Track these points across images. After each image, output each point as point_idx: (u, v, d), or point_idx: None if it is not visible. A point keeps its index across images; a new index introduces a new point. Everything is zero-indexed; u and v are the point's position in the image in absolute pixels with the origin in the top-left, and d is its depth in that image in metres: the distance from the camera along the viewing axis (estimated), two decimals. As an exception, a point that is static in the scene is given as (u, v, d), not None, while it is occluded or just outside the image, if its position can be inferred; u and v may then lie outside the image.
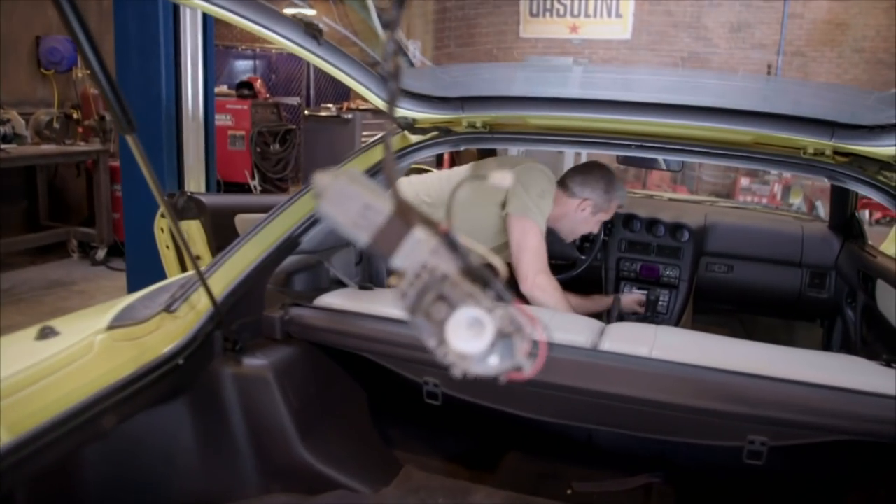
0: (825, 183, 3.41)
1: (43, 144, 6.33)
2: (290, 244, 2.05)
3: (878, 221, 9.68)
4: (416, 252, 1.08)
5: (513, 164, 2.70)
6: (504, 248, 2.68)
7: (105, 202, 6.35)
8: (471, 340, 1.09)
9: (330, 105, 9.36)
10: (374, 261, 2.48)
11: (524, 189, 2.59)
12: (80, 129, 6.76)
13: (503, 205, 2.64)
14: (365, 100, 7.79)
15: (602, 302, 2.96)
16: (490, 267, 1.12)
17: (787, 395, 1.69)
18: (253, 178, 8.06)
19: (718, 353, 1.82)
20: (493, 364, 1.13)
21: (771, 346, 1.91)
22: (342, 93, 10.58)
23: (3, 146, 5.88)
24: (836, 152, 2.16)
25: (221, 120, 7.85)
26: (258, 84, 8.89)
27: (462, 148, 2.54)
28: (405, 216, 1.09)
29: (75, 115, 6.88)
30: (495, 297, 1.11)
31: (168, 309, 1.75)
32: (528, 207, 2.58)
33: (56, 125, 6.58)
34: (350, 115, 8.61)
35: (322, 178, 1.07)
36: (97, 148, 6.44)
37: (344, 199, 1.07)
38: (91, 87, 6.99)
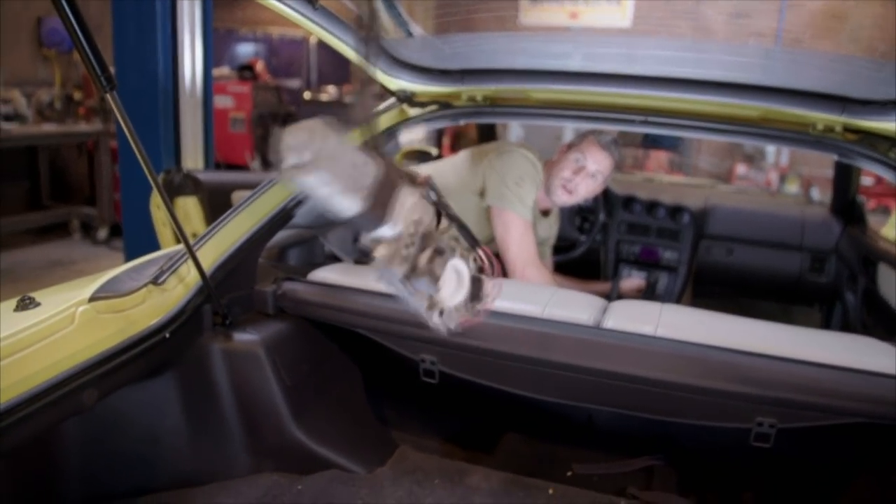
0: (823, 171, 3.39)
1: (44, 124, 6.29)
2: (283, 217, 2.00)
3: (870, 211, 9.56)
4: (406, 209, 0.99)
5: (494, 150, 2.59)
6: (491, 238, 2.60)
7: (106, 182, 6.32)
8: (454, 291, 1.06)
9: (330, 88, 9.29)
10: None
11: (500, 177, 2.45)
12: (82, 110, 6.72)
13: (482, 193, 2.52)
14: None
15: (599, 287, 2.89)
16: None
17: (799, 376, 1.64)
18: (253, 160, 8.01)
19: (726, 331, 1.76)
20: (462, 311, 1.10)
21: (781, 326, 1.85)
22: (343, 76, 10.50)
23: (5, 126, 5.84)
24: (847, 129, 2.10)
25: (222, 102, 7.79)
26: (259, 66, 8.82)
27: (462, 122, 2.48)
28: (395, 173, 1.00)
29: (76, 96, 6.84)
30: (470, 245, 1.11)
31: (155, 281, 1.70)
32: (505, 197, 2.44)
33: (57, 105, 6.56)
34: (350, 101, 8.51)
35: (299, 136, 0.92)
36: (98, 129, 6.40)
37: (334, 160, 0.92)
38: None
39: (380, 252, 0.98)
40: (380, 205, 0.97)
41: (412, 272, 1.01)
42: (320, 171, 0.91)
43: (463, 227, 1.09)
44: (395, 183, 0.99)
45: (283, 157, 0.90)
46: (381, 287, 1.95)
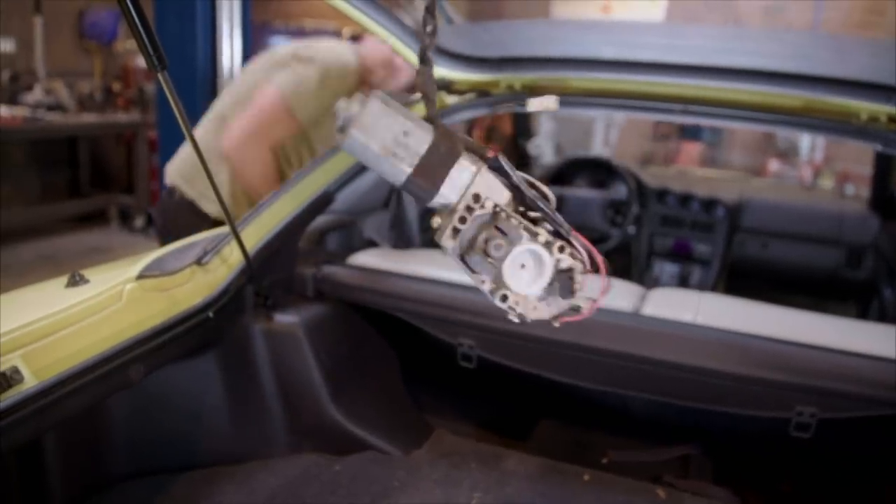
0: (858, 168, 3.36)
1: (84, 114, 6.42)
2: (324, 200, 2.02)
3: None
4: (465, 182, 0.99)
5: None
6: None
7: (143, 172, 6.44)
8: (529, 280, 1.00)
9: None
10: (408, 223, 2.44)
11: None
12: (121, 101, 6.85)
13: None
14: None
15: None
16: (541, 193, 1.02)
17: (840, 365, 1.62)
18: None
19: (767, 320, 1.75)
20: (551, 305, 1.04)
21: (822, 315, 1.83)
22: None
23: (48, 116, 5.97)
24: (892, 118, 2.07)
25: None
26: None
27: (500, 111, 2.48)
28: (449, 142, 0.99)
29: (116, 87, 6.97)
30: (551, 230, 1.02)
31: (199, 262, 1.72)
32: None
33: (97, 96, 6.70)
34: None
35: (348, 105, 0.97)
36: (136, 119, 6.51)
37: (378, 126, 0.96)
38: (131, 60, 7.10)
39: (435, 222, 1.00)
40: (430, 174, 0.98)
41: (468, 249, 1.00)
42: (365, 136, 0.95)
43: (548, 213, 1.01)
44: (453, 155, 0.98)
45: (337, 122, 0.95)
46: (419, 271, 1.99)
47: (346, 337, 2.03)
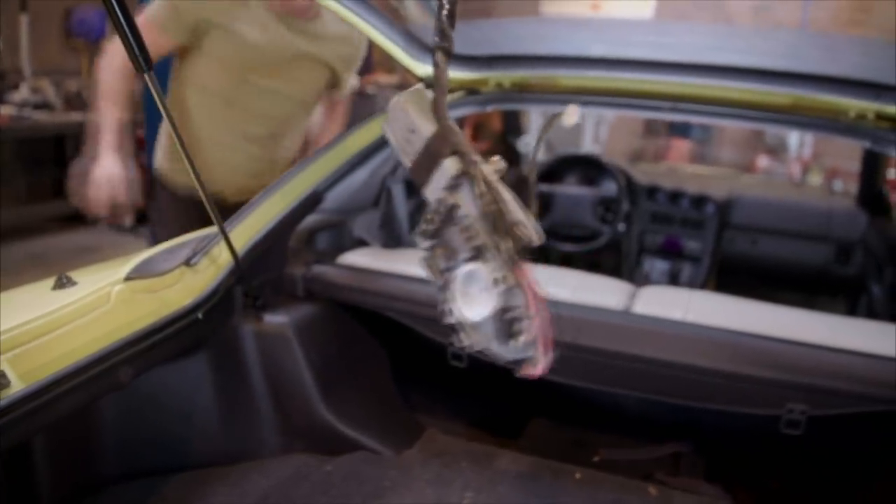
0: (847, 164, 3.38)
1: (72, 113, 6.37)
2: (313, 199, 2.01)
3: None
4: (440, 185, 1.00)
5: None
6: None
7: (131, 171, 6.39)
8: (470, 302, 0.99)
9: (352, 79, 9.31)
10: (398, 222, 2.43)
11: None
12: (108, 100, 6.81)
13: None
14: (389, 71, 7.65)
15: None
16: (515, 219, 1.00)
17: (830, 363, 1.63)
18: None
19: (757, 317, 1.76)
20: (499, 347, 1.02)
21: (811, 313, 1.84)
22: (365, 67, 10.51)
23: (35, 115, 5.92)
24: (879, 116, 2.08)
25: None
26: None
27: (489, 109, 2.48)
28: (438, 144, 1.01)
29: (103, 86, 6.93)
30: (510, 263, 0.99)
31: (188, 262, 1.71)
32: None
33: (85, 95, 6.65)
34: (373, 92, 8.55)
35: (394, 98, 1.05)
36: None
37: (395, 122, 1.04)
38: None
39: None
40: (422, 171, 1.01)
41: (428, 251, 1.01)
42: (388, 128, 1.05)
43: (503, 235, 0.96)
44: (438, 157, 1.00)
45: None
46: (409, 270, 1.98)
47: (337, 337, 2.02)
